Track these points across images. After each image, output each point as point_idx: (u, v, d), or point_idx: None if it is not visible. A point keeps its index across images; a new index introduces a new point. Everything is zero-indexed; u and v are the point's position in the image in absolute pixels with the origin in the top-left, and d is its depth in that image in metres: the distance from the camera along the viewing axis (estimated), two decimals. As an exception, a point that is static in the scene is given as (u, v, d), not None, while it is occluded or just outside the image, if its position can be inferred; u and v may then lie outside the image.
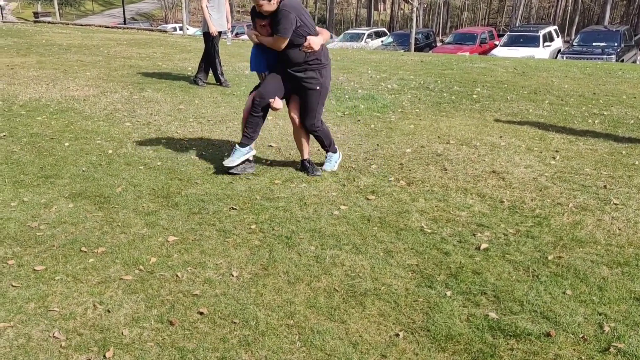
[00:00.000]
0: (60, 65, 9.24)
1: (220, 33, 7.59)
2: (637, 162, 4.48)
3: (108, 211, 3.46)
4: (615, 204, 3.57)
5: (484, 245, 2.99)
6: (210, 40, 7.52)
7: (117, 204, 3.57)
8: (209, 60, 7.70)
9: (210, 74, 7.87)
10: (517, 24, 35.44)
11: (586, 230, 3.18)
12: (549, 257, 2.85)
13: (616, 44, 17.21)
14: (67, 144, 4.83)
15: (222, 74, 7.81)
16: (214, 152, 4.71)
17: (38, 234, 3.11)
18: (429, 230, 3.21)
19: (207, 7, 7.37)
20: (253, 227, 3.25)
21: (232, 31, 28.02)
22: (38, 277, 2.67)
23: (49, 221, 3.29)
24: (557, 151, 4.83)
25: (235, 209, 3.52)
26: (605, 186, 3.91)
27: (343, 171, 4.27)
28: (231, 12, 7.86)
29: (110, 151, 4.66)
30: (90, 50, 11.44)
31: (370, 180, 4.08)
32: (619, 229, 3.19)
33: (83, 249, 2.95)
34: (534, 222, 3.31)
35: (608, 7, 30.11)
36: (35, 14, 26.43)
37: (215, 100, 6.83)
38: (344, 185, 3.97)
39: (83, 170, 4.17)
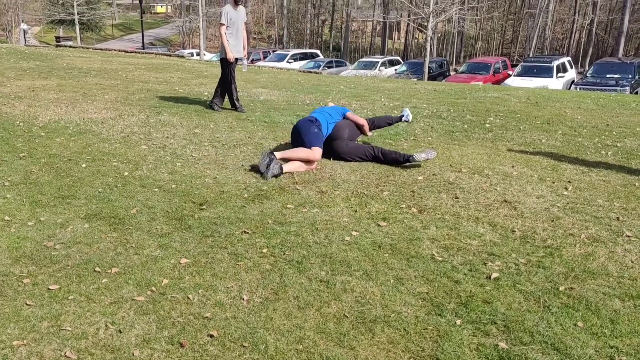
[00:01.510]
0: (80, 88, 9.45)
1: (237, 59, 7.76)
2: (650, 195, 4.46)
3: (122, 232, 3.51)
4: (628, 236, 3.55)
5: (494, 275, 2.99)
6: (227, 66, 7.68)
7: (131, 225, 3.63)
8: (225, 86, 7.84)
9: (226, 99, 8.01)
10: (531, 55, 35.65)
11: (598, 262, 3.17)
12: (560, 288, 2.84)
13: (630, 76, 17.23)
14: (84, 165, 4.93)
15: (237, 99, 7.94)
16: (227, 176, 4.77)
17: (53, 254, 3.17)
18: (440, 258, 3.21)
19: (225, 33, 7.55)
20: (264, 251, 3.28)
21: (248, 58, 28.54)
22: (52, 296, 2.71)
23: (65, 241, 3.35)
24: (569, 182, 4.83)
25: (248, 232, 3.55)
26: (618, 218, 3.89)
27: (355, 197, 4.31)
28: (248, 39, 8.07)
29: (126, 173, 4.74)
30: (109, 74, 11.71)
31: (382, 206, 4.10)
32: (632, 262, 3.17)
33: (97, 269, 3.00)
34: (545, 252, 3.31)
35: (622, 40, 30.18)
36: (57, 38, 27.13)
37: (230, 125, 6.94)
38: (356, 211, 3.99)
39: (99, 192, 4.24)
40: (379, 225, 3.72)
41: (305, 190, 4.44)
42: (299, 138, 5.17)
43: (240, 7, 7.74)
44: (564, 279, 2.96)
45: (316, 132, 5.13)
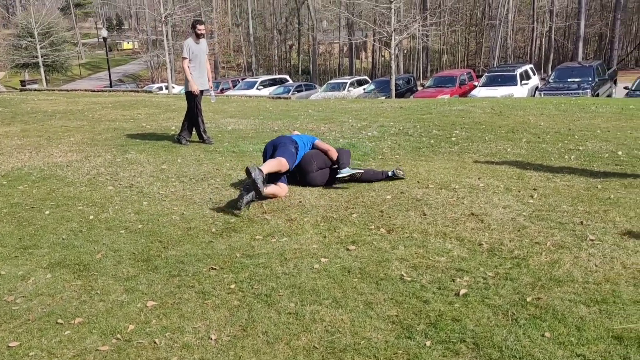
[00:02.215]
0: (45, 132, 9.33)
1: (202, 92, 7.77)
2: (612, 196, 4.54)
3: (87, 279, 3.44)
4: (592, 240, 3.60)
5: (463, 291, 2.99)
6: (193, 99, 7.68)
7: (96, 271, 3.55)
8: (192, 119, 7.83)
9: (194, 132, 7.98)
10: (495, 64, 36.46)
11: (564, 269, 3.20)
12: (528, 299, 2.86)
13: (590, 79, 17.71)
14: (47, 212, 4.83)
15: (204, 131, 7.93)
16: (194, 211, 4.72)
17: (14, 308, 3.08)
18: (409, 279, 3.21)
19: (188, 67, 7.58)
20: (232, 286, 3.24)
21: (217, 87, 28.61)
22: (12, 354, 2.62)
23: (26, 294, 3.26)
24: (535, 189, 4.90)
25: (215, 268, 3.51)
26: (581, 222, 3.95)
27: (324, 222, 4.30)
28: (216, 68, 8.17)
29: (91, 217, 4.66)
30: (75, 115, 11.59)
31: (351, 229, 4.10)
32: (596, 266, 3.21)
33: (59, 320, 2.92)
34: (512, 263, 3.33)
35: (580, 44, 31.12)
36: (22, 82, 26.86)
37: (198, 158, 6.90)
38: (325, 237, 3.98)
39: (63, 239, 4.16)
40: (348, 249, 3.71)
41: (274, 219, 4.42)
42: (273, 152, 5.16)
43: (202, 40, 7.79)
44: (531, 289, 2.98)
45: (292, 151, 5.14)
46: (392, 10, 20.98)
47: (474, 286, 3.06)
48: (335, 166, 5.37)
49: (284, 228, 4.19)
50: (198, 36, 7.67)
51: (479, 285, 3.07)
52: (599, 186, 4.89)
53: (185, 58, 7.61)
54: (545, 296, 2.88)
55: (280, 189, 5.00)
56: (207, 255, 3.74)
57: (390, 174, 5.42)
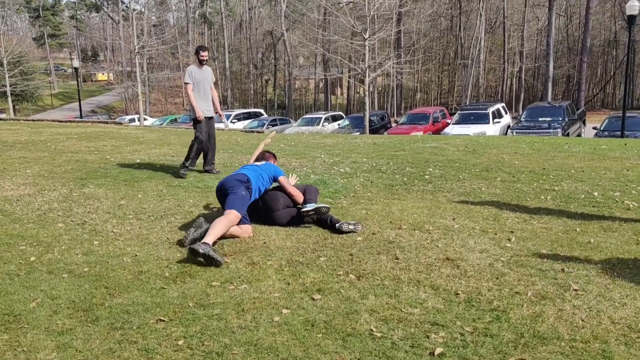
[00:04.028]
0: (0, 163, 8.83)
1: (209, 119, 7.57)
2: (592, 240, 4.34)
3: (15, 333, 3.02)
4: (575, 290, 3.35)
5: (438, 350, 2.68)
6: (197, 126, 7.47)
7: (27, 322, 3.14)
8: (197, 147, 7.56)
9: (200, 159, 7.78)
10: (467, 103, 37.10)
11: (548, 324, 2.92)
12: (510, 360, 2.56)
13: (561, 118, 17.97)
14: (-15, 252, 4.38)
15: (211, 161, 7.67)
16: (149, 252, 4.34)
17: None
18: (379, 334, 2.89)
19: (192, 92, 7.37)
20: (180, 342, 2.86)
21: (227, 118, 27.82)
22: None
23: (-61, 351, 2.82)
24: (512, 232, 4.67)
25: (164, 320, 3.13)
26: (563, 269, 3.71)
27: (289, 266, 3.96)
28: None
29: (33, 258, 4.23)
30: (36, 146, 11.10)
31: (318, 275, 3.77)
32: (582, 320, 2.95)
33: (-28, 386, 2.50)
34: (492, 316, 3.04)
35: (549, 84, 31.91)
36: (-11, 111, 26.13)
37: (160, 193, 6.52)
38: (289, 284, 3.64)
39: (-4, 283, 3.72)
40: (313, 298, 3.38)
41: (235, 262, 4.06)
42: (222, 198, 4.76)
43: (206, 67, 7.63)
44: (514, 347, 2.68)
45: (243, 194, 4.67)
46: (367, 47, 21.17)
47: (451, 344, 2.75)
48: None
49: (245, 273, 3.84)
50: (201, 62, 7.49)
51: (456, 343, 2.76)
52: (578, 229, 4.69)
53: (188, 83, 7.41)
54: (529, 356, 2.59)
55: (242, 230, 4.64)
56: (156, 304, 3.36)
57: (337, 225, 4.78)
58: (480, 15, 39.69)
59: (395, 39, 39.24)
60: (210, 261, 3.96)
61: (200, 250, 3.96)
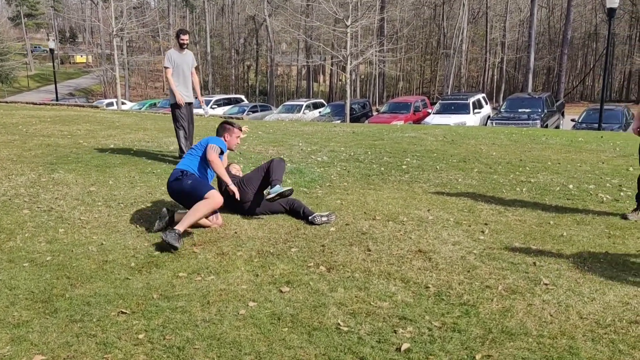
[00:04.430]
0: (-32, 146, 8.55)
1: (188, 104, 7.36)
2: (564, 233, 4.33)
3: (-32, 325, 2.89)
4: (546, 284, 3.32)
5: (405, 345, 2.63)
6: (175, 111, 7.27)
7: (-18, 314, 3.01)
8: (182, 132, 7.37)
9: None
10: (449, 92, 37.19)
11: (516, 319, 2.89)
12: (477, 357, 2.52)
13: (540, 110, 18.08)
14: (-57, 239, 4.22)
15: (186, 147, 7.37)
16: (116, 241, 4.22)
17: None
18: (346, 328, 2.83)
19: (171, 77, 7.18)
20: (141, 336, 2.77)
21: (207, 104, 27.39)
22: None
23: None
24: (486, 224, 4.65)
25: (126, 312, 3.03)
26: (534, 263, 3.69)
27: (259, 257, 3.88)
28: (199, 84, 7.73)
29: (-7, 246, 4.09)
30: (7, 129, 10.78)
31: (288, 266, 3.70)
32: (551, 315, 2.92)
33: None
34: (461, 311, 3.00)
35: (530, 76, 32.10)
36: (-39, 92, 25.36)
37: (132, 179, 6.37)
38: (257, 275, 3.56)
39: (-48, 273, 3.58)
40: (281, 291, 3.30)
41: (204, 252, 3.97)
42: (183, 201, 4.53)
43: (187, 52, 7.38)
44: (481, 343, 2.64)
45: (189, 183, 4.39)
46: (348, 34, 21.00)
47: (418, 339, 2.71)
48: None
49: (213, 264, 3.74)
50: (182, 46, 7.26)
51: (424, 338, 2.71)
52: (551, 222, 4.68)
53: (167, 67, 7.20)
54: (496, 353, 2.55)
55: (212, 220, 4.53)
56: (119, 295, 3.25)
57: (310, 218, 4.69)
58: (464, 5, 39.69)
59: (378, 26, 39.08)
60: (168, 247, 3.94)
61: (168, 241, 3.88)
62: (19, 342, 2.72)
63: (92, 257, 3.89)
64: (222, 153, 4.67)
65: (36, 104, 19.73)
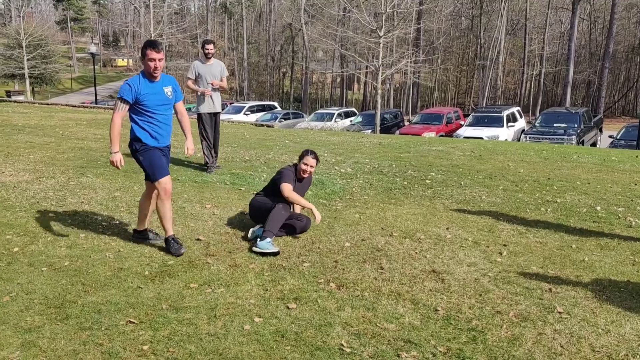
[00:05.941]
0: (6, 147, 8.87)
1: (212, 115, 7.44)
2: (586, 259, 4.20)
3: (-17, 327, 2.99)
4: (559, 313, 3.22)
5: (406, 371, 2.59)
6: (199, 122, 7.39)
7: (-3, 317, 3.10)
8: (206, 142, 7.44)
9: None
10: (484, 104, 36.67)
11: (524, 348, 2.81)
12: (478, 387, 2.46)
13: (576, 125, 17.62)
14: (-30, 240, 4.38)
15: (210, 158, 7.43)
16: (133, 248, 4.30)
17: None
18: (349, 350, 2.80)
19: (192, 83, 7.35)
20: (145, 347, 2.80)
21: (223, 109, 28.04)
22: None
23: None
24: (505, 245, 4.55)
25: (134, 322, 3.07)
26: (550, 289, 3.58)
27: (270, 271, 3.89)
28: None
29: (16, 249, 4.21)
30: (44, 131, 11.15)
31: (298, 282, 3.70)
32: (561, 346, 2.83)
33: None
34: (468, 337, 2.94)
35: (568, 89, 31.38)
36: (8, 93, 26.28)
37: (157, 186, 6.48)
38: (267, 290, 3.57)
39: (-26, 274, 3.70)
40: (289, 307, 3.30)
41: (217, 263, 4.00)
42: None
43: (215, 61, 7.45)
44: (484, 373, 2.58)
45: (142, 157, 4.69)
46: (381, 45, 20.96)
47: (420, 365, 2.66)
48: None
49: (225, 276, 3.77)
50: (207, 56, 7.32)
51: (426, 364, 2.67)
52: (574, 246, 4.55)
53: (190, 79, 7.36)
54: (499, 384, 2.49)
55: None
56: (129, 304, 3.31)
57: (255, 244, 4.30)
58: (502, 16, 39.14)
59: (414, 37, 38.89)
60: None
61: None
62: (29, 348, 2.79)
63: (109, 263, 3.97)
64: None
65: (75, 106, 20.34)
